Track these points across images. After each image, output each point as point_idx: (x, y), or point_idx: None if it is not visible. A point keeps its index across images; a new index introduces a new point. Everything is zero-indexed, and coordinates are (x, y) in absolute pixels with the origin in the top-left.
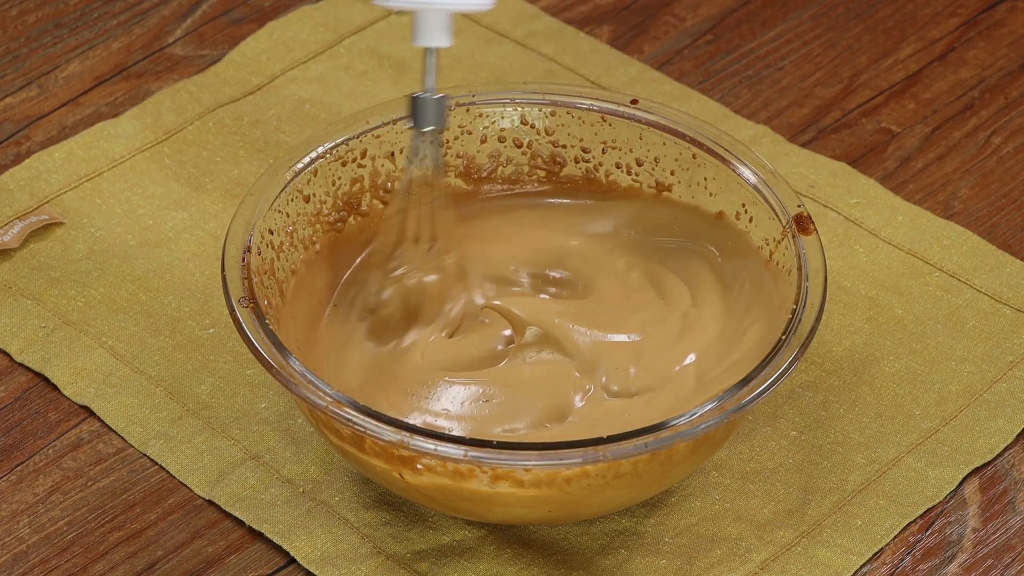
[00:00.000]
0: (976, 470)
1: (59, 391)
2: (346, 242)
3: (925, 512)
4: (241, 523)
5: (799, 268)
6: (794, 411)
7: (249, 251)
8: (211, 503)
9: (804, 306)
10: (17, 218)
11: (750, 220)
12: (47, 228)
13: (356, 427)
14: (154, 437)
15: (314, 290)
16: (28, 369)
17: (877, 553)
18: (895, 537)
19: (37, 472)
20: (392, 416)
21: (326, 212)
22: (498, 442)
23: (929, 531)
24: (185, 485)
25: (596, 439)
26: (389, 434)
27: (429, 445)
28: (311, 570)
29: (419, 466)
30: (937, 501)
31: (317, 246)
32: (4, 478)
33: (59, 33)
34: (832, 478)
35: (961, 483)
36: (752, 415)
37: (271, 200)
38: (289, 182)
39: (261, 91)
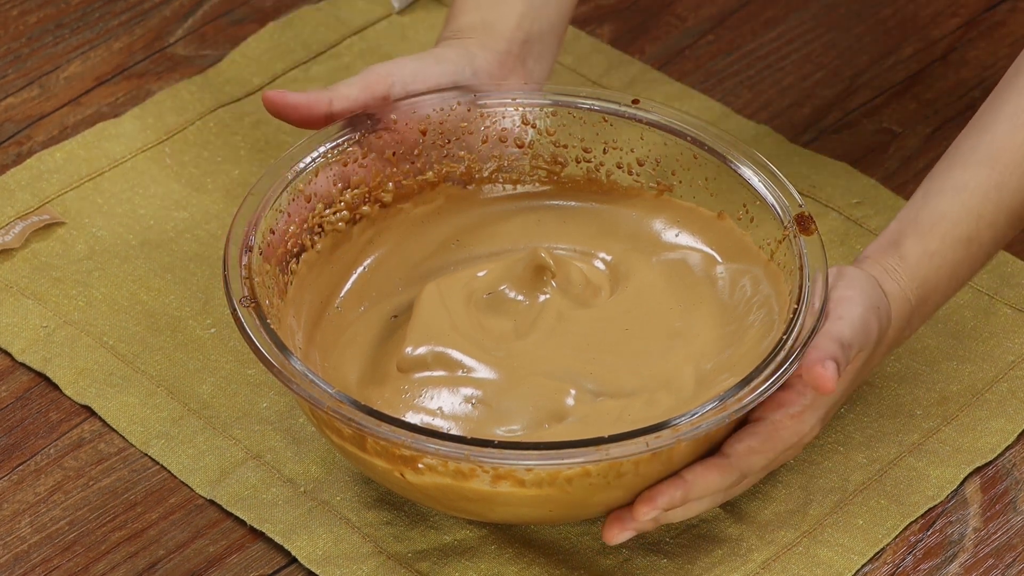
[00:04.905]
0: (977, 470)
1: (60, 391)
2: (347, 242)
3: (926, 512)
4: (242, 523)
5: (800, 268)
6: None
7: (251, 251)
8: (212, 503)
9: (805, 306)
10: (18, 218)
11: (751, 220)
12: (48, 228)
13: (357, 427)
14: (155, 437)
15: (315, 290)
16: (29, 369)
17: (878, 553)
18: (896, 537)
19: (39, 472)
20: (393, 416)
21: (327, 212)
22: (499, 442)
23: (930, 531)
24: (186, 485)
25: (597, 439)
26: (390, 434)
27: (431, 445)
28: (312, 570)
29: (420, 466)
30: (938, 501)
31: (318, 246)
32: (6, 478)
33: (60, 33)
34: (833, 478)
35: (962, 483)
36: None
37: (272, 200)
38: (290, 182)
39: (262, 91)
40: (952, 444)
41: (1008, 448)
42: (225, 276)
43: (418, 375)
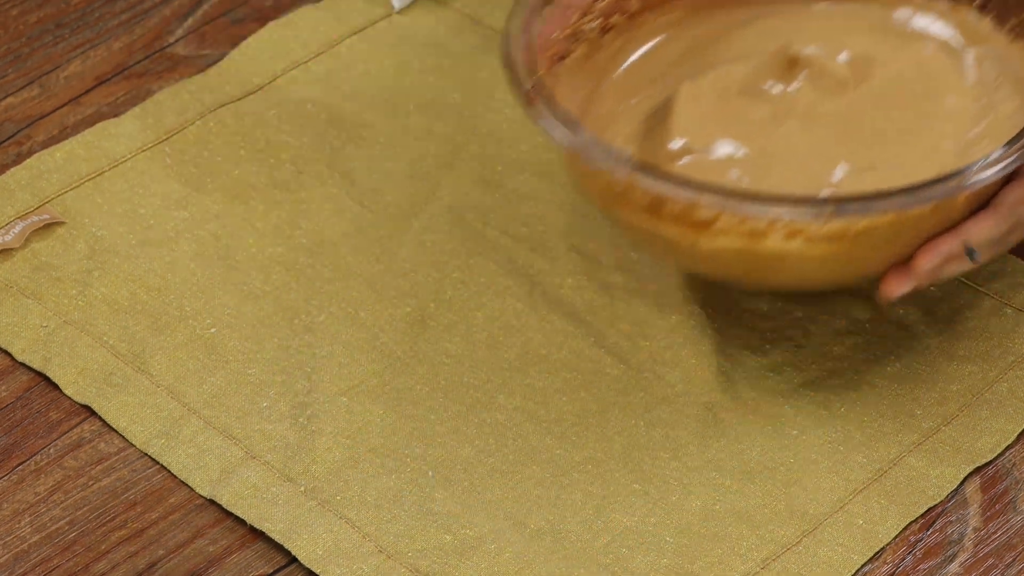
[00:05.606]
0: (977, 469)
1: (60, 391)
2: (600, 50)
3: (926, 511)
4: (242, 522)
5: None
6: (795, 410)
7: (528, 47)
8: (212, 502)
9: None
10: (18, 218)
11: (994, 4)
12: (48, 228)
13: (661, 190)
14: (155, 436)
15: (574, 93)
16: (29, 369)
17: (878, 552)
18: (896, 536)
19: (38, 471)
20: (699, 179)
21: (582, 20)
22: (804, 197)
23: (930, 530)
24: (186, 484)
25: (891, 190)
26: (696, 194)
27: (739, 202)
28: (312, 569)
29: (715, 227)
30: (938, 500)
31: (576, 53)
32: (5, 477)
33: (60, 33)
34: (833, 477)
35: (962, 482)
36: (754, 414)
37: (537, 8)
38: None
39: (262, 91)
40: (952, 444)
41: (1008, 448)
42: (509, 65)
43: (683, 161)
